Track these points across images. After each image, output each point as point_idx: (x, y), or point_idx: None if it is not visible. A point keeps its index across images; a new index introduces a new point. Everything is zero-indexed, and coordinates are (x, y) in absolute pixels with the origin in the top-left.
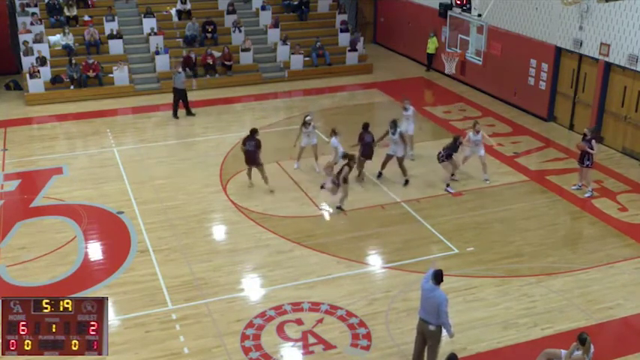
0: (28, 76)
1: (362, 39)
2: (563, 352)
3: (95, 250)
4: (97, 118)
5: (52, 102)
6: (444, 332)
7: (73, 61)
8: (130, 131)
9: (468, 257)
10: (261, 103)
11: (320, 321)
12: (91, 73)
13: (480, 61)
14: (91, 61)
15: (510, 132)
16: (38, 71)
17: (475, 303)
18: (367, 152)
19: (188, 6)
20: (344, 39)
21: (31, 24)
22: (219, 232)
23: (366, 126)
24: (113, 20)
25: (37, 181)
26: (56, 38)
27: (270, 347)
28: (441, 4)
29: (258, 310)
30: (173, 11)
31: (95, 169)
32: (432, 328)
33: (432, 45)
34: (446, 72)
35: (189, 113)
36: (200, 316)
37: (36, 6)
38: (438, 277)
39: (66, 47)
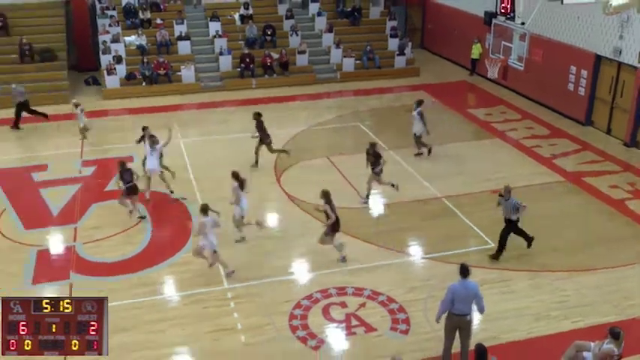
0: (105, 72)
1: (410, 44)
2: (593, 344)
3: (160, 232)
4: (165, 112)
5: (126, 97)
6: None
7: (146, 60)
8: (195, 125)
9: (504, 251)
10: (314, 102)
11: (362, 305)
12: (162, 71)
13: (521, 66)
14: (161, 60)
15: (548, 134)
16: (114, 68)
17: (508, 295)
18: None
19: (250, 11)
20: (393, 44)
21: (110, 25)
22: (272, 219)
23: None
24: (182, 23)
25: (111, 168)
26: (131, 39)
27: (316, 327)
28: (486, 13)
29: (306, 293)
30: (236, 16)
31: (162, 159)
32: (469, 318)
33: (476, 51)
34: (488, 76)
35: (16, 125)
36: (252, 296)
37: (114, 9)
38: (465, 270)
39: (139, 47)
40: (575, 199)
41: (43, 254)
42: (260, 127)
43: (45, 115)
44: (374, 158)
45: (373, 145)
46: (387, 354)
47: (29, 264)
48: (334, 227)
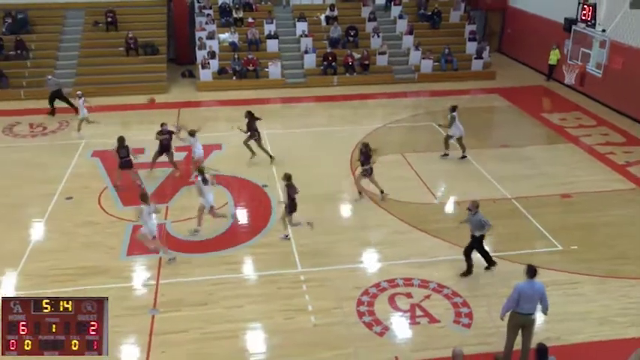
0: (200, 66)
1: (488, 48)
2: None
3: (242, 215)
4: (252, 105)
5: (217, 89)
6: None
7: (237, 56)
8: (278, 118)
9: (572, 255)
10: (391, 100)
11: (427, 297)
12: (250, 67)
13: (599, 73)
14: (250, 57)
15: (624, 142)
16: (208, 63)
17: (574, 297)
18: None
19: (335, 13)
20: (471, 47)
21: (206, 23)
22: (345, 210)
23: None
24: (272, 23)
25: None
26: (224, 36)
27: (382, 314)
28: (566, 19)
29: (374, 281)
30: (322, 17)
31: (247, 148)
32: (533, 317)
33: (554, 56)
34: (565, 82)
35: (52, 113)
36: (323, 280)
37: (210, 8)
38: (532, 271)
39: (232, 44)
40: None
41: (138, 230)
42: (250, 124)
43: (75, 108)
44: (364, 158)
45: (366, 145)
46: (448, 345)
47: (125, 238)
48: (292, 207)
